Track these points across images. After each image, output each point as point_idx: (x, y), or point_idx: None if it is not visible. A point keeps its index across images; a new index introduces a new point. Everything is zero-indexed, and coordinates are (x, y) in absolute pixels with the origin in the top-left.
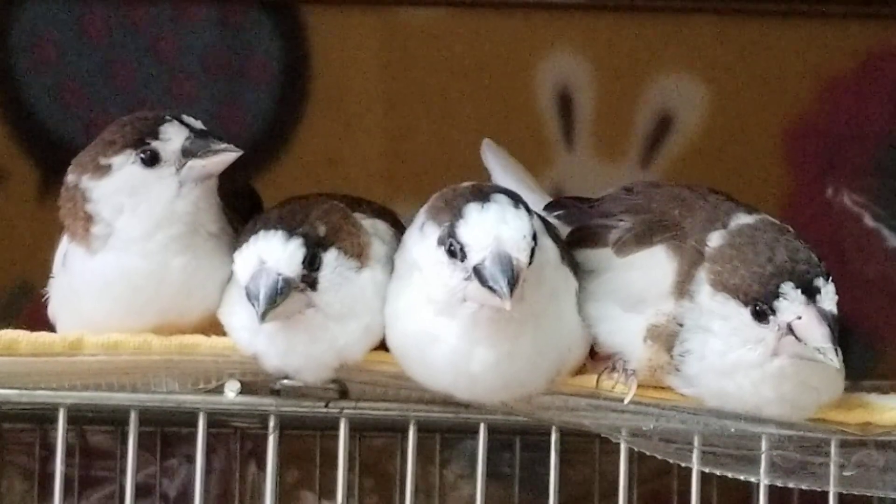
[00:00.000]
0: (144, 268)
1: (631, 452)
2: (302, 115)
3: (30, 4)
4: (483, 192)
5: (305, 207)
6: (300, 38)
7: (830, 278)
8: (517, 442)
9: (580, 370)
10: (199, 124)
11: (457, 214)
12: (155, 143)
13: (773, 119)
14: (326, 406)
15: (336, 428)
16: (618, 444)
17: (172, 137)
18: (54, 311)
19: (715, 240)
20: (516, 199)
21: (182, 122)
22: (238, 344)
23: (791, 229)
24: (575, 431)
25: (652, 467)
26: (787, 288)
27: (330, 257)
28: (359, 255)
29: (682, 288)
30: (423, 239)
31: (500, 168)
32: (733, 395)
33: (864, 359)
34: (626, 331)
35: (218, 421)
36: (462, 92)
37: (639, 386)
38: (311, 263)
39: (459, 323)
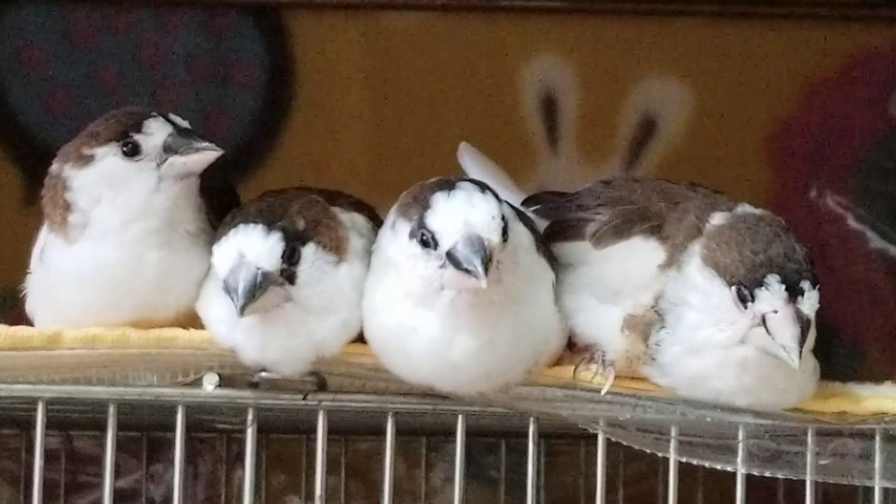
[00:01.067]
0: (120, 260)
1: (614, 453)
2: (287, 120)
3: (14, 10)
4: (449, 182)
5: (284, 201)
6: (285, 44)
7: (818, 286)
8: (503, 445)
9: (557, 361)
10: (184, 123)
11: (425, 206)
12: (137, 137)
13: (756, 122)
14: (304, 398)
15: None
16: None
17: (155, 132)
18: (32, 306)
19: (718, 219)
20: (482, 186)
21: (167, 119)
22: (216, 337)
23: (792, 231)
24: (559, 434)
25: (637, 470)
26: (773, 280)
27: (308, 251)
28: (337, 249)
29: (673, 258)
30: (395, 236)
31: (477, 171)
32: (701, 377)
33: (847, 360)
34: (603, 322)
35: (204, 424)
36: (446, 96)
37: (616, 377)
38: (290, 258)
39: (439, 313)
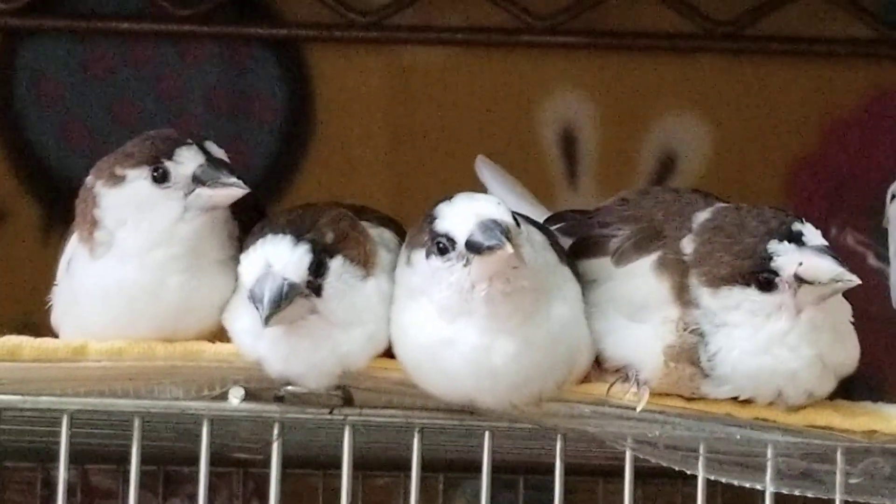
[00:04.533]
0: (139, 281)
1: (636, 491)
2: (306, 154)
3: (33, 42)
4: (446, 197)
5: (314, 213)
6: (304, 78)
7: (804, 218)
8: (521, 482)
9: (585, 378)
10: (219, 153)
11: (431, 221)
12: (168, 164)
13: (776, 159)
14: (331, 413)
15: (339, 467)
16: (622, 485)
17: (186, 161)
18: (57, 318)
19: (687, 245)
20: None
21: (202, 147)
22: (241, 348)
23: (744, 204)
24: (579, 470)
25: None
26: (774, 245)
27: (336, 264)
28: (365, 263)
29: (683, 298)
30: (413, 268)
31: (496, 184)
32: (771, 369)
33: (867, 397)
34: (633, 341)
35: (223, 456)
36: (466, 131)
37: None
38: (317, 270)
39: (478, 316)
